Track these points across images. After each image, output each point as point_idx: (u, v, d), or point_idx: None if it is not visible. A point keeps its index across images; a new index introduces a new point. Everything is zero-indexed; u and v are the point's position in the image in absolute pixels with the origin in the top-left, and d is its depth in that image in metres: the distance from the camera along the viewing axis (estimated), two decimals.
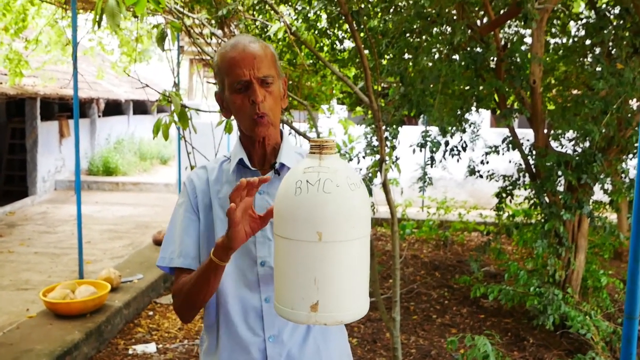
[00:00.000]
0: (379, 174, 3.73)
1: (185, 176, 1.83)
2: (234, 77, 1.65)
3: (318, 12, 5.03)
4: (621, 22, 5.03)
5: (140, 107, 17.86)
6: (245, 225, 1.47)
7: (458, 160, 5.69)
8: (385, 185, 3.48)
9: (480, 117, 6.98)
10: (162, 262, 1.75)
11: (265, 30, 4.80)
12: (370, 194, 3.76)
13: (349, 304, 1.27)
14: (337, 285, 1.24)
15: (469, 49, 4.87)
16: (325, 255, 1.23)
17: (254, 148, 1.75)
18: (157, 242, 7.19)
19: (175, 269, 1.75)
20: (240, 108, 1.68)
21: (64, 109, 12.96)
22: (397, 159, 4.57)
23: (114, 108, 15.81)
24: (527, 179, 5.55)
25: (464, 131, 5.77)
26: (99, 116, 14.21)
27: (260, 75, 1.64)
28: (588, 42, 5.59)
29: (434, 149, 4.89)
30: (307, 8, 4.79)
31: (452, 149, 5.62)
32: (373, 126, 4.69)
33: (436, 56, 5.19)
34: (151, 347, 4.87)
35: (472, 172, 6.14)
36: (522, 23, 4.13)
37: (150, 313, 5.65)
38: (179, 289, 1.70)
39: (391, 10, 5.20)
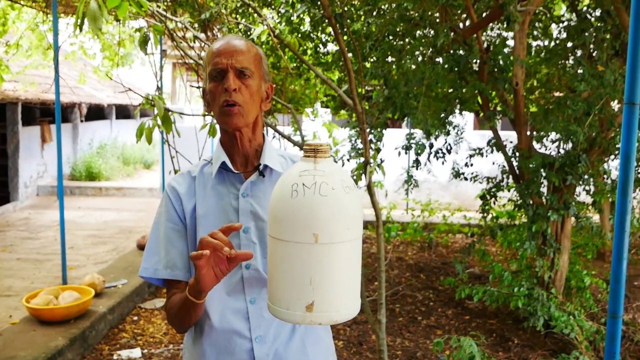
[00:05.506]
0: (363, 176, 3.73)
1: (166, 183, 1.80)
2: (213, 65, 1.67)
3: (301, 15, 5.03)
4: (602, 24, 5.07)
5: (123, 112, 17.76)
6: (214, 267, 1.44)
7: (443, 163, 5.70)
8: (369, 188, 3.48)
9: (464, 119, 7.00)
10: (146, 272, 1.74)
11: (249, 33, 4.79)
12: None
13: (343, 304, 1.29)
14: (332, 285, 1.26)
15: (452, 51, 4.89)
16: (321, 257, 1.24)
17: (234, 149, 1.74)
18: (141, 247, 7.14)
19: (164, 280, 1.74)
20: (214, 95, 1.68)
21: (45, 113, 12.85)
22: (381, 161, 4.57)
23: (96, 112, 15.70)
24: (511, 181, 5.57)
25: (448, 134, 5.78)
26: (82, 121, 14.10)
27: (238, 65, 1.65)
28: (570, 44, 5.64)
29: (419, 152, 4.89)
30: (290, 11, 4.78)
31: (436, 152, 5.63)
32: (357, 129, 4.70)
33: (419, 59, 5.20)
34: (136, 353, 4.84)
35: (456, 174, 6.16)
36: (505, 25, 4.15)
37: (135, 318, 5.61)
38: (168, 308, 1.71)
39: (374, 13, 5.22)
